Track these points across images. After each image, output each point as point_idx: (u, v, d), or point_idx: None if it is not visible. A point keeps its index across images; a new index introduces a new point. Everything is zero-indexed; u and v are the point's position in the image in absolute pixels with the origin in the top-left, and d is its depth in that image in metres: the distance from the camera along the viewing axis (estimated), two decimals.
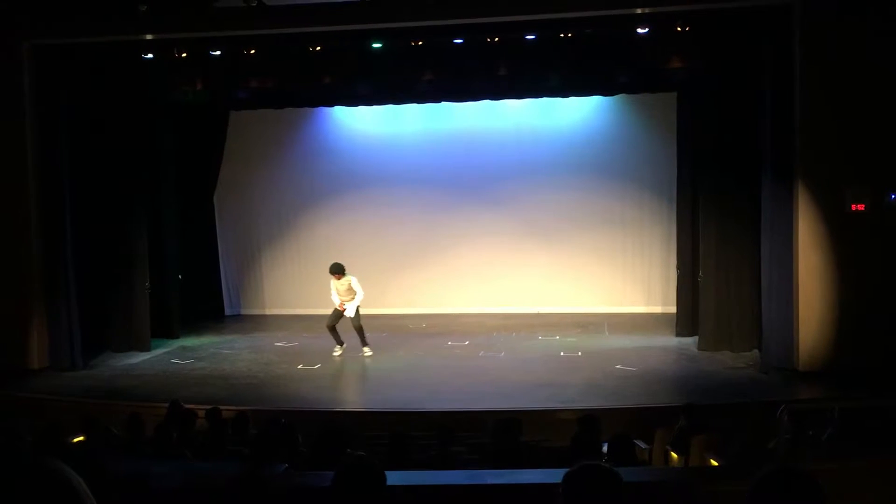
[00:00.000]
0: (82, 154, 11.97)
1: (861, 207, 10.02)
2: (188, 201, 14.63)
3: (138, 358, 12.19)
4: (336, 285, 11.72)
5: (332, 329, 11.89)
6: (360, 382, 10.76)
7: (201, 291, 15.17)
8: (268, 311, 15.73)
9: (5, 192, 11.38)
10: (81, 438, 7.08)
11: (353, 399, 10.38)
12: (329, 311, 11.93)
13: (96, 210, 12.32)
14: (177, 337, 13.44)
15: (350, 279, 11.72)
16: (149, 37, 11.28)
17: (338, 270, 11.67)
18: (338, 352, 11.93)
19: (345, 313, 11.71)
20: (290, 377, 10.96)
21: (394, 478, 3.00)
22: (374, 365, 11.64)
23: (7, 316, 11.33)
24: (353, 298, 11.68)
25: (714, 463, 6.29)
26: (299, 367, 11.43)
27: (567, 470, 2.40)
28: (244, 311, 15.90)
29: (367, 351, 11.91)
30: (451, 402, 9.46)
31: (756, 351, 11.29)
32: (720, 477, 4.99)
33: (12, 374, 10.98)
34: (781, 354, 10.36)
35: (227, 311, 15.79)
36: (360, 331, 11.82)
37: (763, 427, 6.69)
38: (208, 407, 8.02)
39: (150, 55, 11.55)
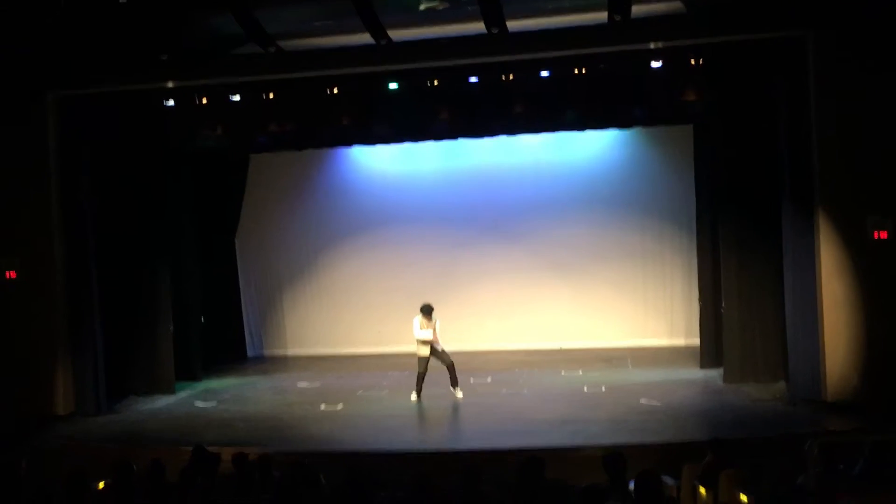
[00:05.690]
0: (104, 200, 12.16)
1: (884, 235, 9.93)
2: (210, 244, 14.75)
3: (162, 401, 12.23)
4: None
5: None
6: (383, 422, 10.71)
7: (224, 333, 15.23)
8: (290, 352, 15.74)
9: (30, 240, 11.55)
10: (106, 484, 7.08)
11: (375, 439, 10.33)
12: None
13: (119, 255, 12.46)
14: (200, 379, 13.48)
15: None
16: (170, 84, 11.51)
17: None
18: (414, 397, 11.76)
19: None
20: (312, 418, 10.95)
21: None
22: (396, 404, 11.59)
23: (33, 362, 11.44)
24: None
25: (744, 498, 6.18)
26: (322, 407, 11.42)
27: None
28: (266, 352, 15.92)
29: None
30: (474, 441, 9.41)
31: (783, 382, 11.14)
32: None
33: (38, 420, 11.05)
34: (809, 385, 10.22)
35: (250, 353, 15.82)
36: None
37: (792, 461, 6.57)
38: (232, 450, 8.00)
39: (171, 102, 11.78)
